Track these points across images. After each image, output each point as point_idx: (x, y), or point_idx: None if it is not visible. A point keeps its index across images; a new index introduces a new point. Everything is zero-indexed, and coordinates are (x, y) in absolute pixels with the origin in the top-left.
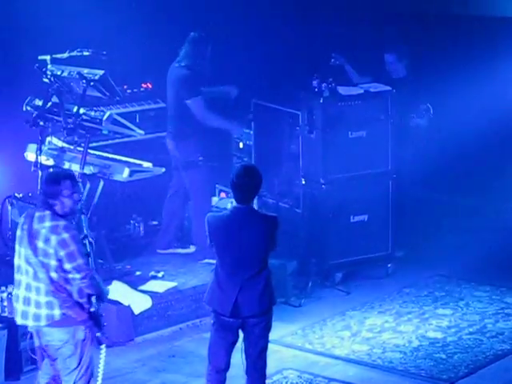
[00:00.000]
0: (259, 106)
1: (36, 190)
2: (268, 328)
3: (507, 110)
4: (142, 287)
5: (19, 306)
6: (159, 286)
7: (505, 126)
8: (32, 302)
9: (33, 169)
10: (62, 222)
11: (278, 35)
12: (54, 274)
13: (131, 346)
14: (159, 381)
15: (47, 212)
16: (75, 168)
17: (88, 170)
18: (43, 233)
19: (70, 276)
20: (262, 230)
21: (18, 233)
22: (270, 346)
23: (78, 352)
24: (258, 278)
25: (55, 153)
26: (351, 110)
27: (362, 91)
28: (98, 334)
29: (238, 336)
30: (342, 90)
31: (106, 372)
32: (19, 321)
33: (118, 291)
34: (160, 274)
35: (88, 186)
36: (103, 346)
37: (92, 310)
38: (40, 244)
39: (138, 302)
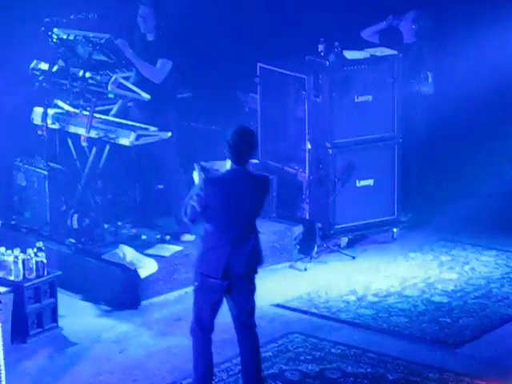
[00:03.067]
0: (265, 70)
1: (42, 154)
2: (253, 289)
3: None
4: (148, 251)
5: None
6: (165, 249)
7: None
8: None
9: (39, 132)
10: None
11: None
12: None
13: (137, 309)
14: (165, 344)
15: None
16: (81, 132)
17: (94, 134)
18: None
19: None
20: (256, 191)
21: None
22: (275, 309)
23: None
24: (248, 238)
25: (61, 117)
26: (357, 74)
27: (368, 55)
28: None
29: (223, 297)
30: (348, 54)
31: (112, 336)
32: None
33: (124, 255)
34: (166, 238)
35: (94, 150)
36: None
37: None
38: None
39: (143, 265)
